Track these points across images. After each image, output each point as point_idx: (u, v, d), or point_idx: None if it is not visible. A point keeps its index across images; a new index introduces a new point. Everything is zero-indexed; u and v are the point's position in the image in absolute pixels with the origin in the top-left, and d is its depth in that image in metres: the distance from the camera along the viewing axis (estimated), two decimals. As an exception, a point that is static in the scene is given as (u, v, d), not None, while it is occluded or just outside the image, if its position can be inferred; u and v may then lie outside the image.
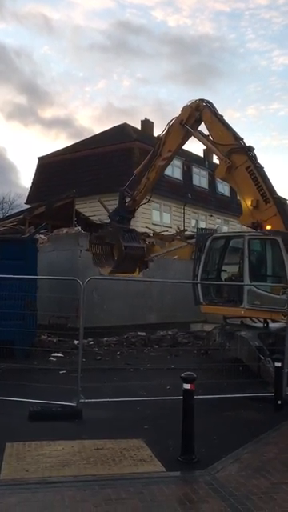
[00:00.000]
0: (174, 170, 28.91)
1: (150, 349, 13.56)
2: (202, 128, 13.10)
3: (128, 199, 14.06)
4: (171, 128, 13.20)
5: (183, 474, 5.31)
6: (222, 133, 12.32)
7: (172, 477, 5.23)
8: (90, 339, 13.34)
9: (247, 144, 12.10)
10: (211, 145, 12.81)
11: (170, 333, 15.28)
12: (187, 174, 30.42)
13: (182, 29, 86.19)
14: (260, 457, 5.79)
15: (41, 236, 15.79)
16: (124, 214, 14.08)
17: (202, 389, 7.56)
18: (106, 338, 13.95)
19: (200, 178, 31.60)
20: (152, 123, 33.95)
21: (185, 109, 12.88)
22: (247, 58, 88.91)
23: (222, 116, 12.57)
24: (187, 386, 5.79)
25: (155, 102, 78.43)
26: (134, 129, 31.64)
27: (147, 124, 33.44)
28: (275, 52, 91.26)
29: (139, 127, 32.89)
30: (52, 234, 16.22)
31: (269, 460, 5.68)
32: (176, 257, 18.65)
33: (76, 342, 11.24)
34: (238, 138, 12.10)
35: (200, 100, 12.77)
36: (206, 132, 12.86)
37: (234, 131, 12.26)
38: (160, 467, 5.42)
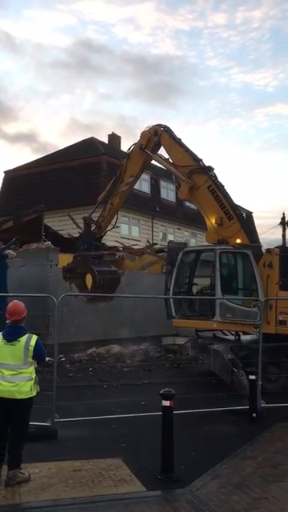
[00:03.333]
0: (142, 184, 29.00)
1: (123, 364, 13.45)
2: (162, 152, 13.45)
3: (93, 226, 14.30)
4: (131, 153, 13.55)
5: (164, 493, 5.25)
6: (181, 155, 12.69)
7: (153, 496, 5.18)
8: (61, 356, 13.11)
9: (207, 164, 12.46)
10: (172, 167, 13.13)
11: (141, 347, 15.22)
12: (155, 187, 30.59)
13: (143, 46, 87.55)
14: (239, 472, 5.79)
15: (10, 251, 15.53)
16: (91, 241, 14.27)
17: (177, 403, 7.50)
18: (76, 354, 13.76)
19: (168, 192, 31.81)
20: (119, 137, 34.08)
21: (143, 134, 13.26)
22: (207, 75, 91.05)
23: (180, 139, 13.00)
24: (166, 403, 5.75)
25: (119, 117, 79.04)
26: (102, 143, 31.67)
27: (114, 138, 33.54)
28: (234, 69, 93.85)
29: (105, 141, 32.96)
30: (21, 250, 15.95)
31: (248, 475, 5.69)
32: (146, 271, 18.68)
33: (47, 359, 11.03)
34: (197, 159, 12.47)
35: (158, 125, 13.20)
36: (166, 155, 13.21)
37: (193, 152, 12.66)
38: (140, 487, 5.34)
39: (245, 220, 12.67)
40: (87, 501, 4.95)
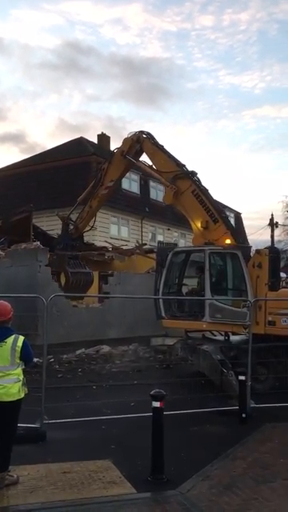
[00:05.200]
0: (132, 184, 29.03)
1: (112, 365, 13.39)
2: (146, 158, 13.64)
3: (71, 227, 14.45)
4: (113, 159, 13.67)
5: (154, 495, 5.22)
6: (164, 161, 12.84)
7: (143, 498, 5.14)
8: (49, 356, 13.01)
9: (194, 167, 12.70)
10: (155, 173, 13.26)
11: (131, 348, 15.18)
12: (144, 188, 30.59)
13: (131, 47, 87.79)
14: (229, 473, 5.78)
15: (-2, 251, 15.41)
16: (68, 241, 14.50)
17: (167, 404, 7.49)
18: (65, 355, 13.66)
19: (157, 192, 31.75)
20: (108, 137, 34.01)
21: (126, 141, 13.42)
22: (195, 77, 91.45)
23: (162, 146, 13.14)
24: (156, 404, 5.72)
25: (106, 118, 79.13)
26: (91, 143, 31.59)
27: (104, 138, 33.47)
28: (221, 71, 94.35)
29: (94, 141, 32.87)
30: (10, 250, 15.82)
31: (238, 476, 5.68)
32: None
33: (35, 359, 10.96)
34: (180, 165, 12.62)
35: (140, 132, 13.34)
36: (149, 161, 13.39)
37: (176, 158, 12.86)
38: (130, 489, 5.31)
39: (230, 222, 12.93)
40: (77, 503, 4.90)
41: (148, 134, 13.22)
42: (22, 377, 5.48)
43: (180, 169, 12.45)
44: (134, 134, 13.28)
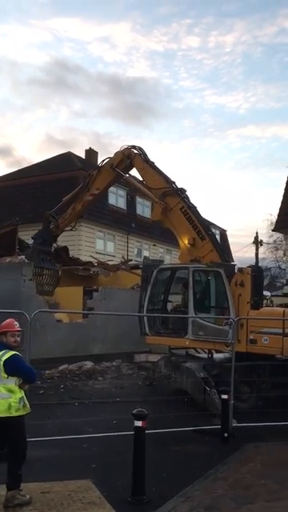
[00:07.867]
0: (118, 200, 29.17)
1: (95, 381, 13.30)
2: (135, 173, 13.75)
3: (52, 224, 14.57)
4: (102, 169, 13.79)
5: (134, 517, 5.17)
6: (154, 178, 12.92)
7: (123, 520, 5.08)
8: (32, 372, 12.87)
9: (181, 185, 12.87)
10: (145, 189, 13.35)
11: (114, 364, 15.10)
12: (131, 203, 30.72)
13: (118, 65, 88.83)
14: (210, 494, 5.75)
15: (-18, 265, 15.27)
16: (46, 237, 14.69)
17: (149, 422, 7.45)
18: (48, 371, 13.52)
19: (143, 208, 31.97)
20: (96, 153, 34.16)
21: (116, 154, 13.52)
22: (181, 96, 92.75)
23: (153, 162, 13.24)
24: (139, 423, 5.69)
25: (93, 134, 79.69)
26: (79, 158, 31.71)
27: (92, 153, 33.62)
28: (207, 91, 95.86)
29: (81, 156, 32.99)
30: (-6, 263, 15.72)
31: (219, 497, 5.66)
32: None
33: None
34: (169, 182, 12.72)
35: (132, 147, 13.37)
36: (139, 176, 13.53)
37: (166, 175, 12.95)
38: (110, 510, 5.24)
39: (217, 240, 13.08)
40: (55, 525, 4.83)
41: (140, 149, 13.23)
42: (15, 394, 5.40)
43: (169, 186, 12.53)
44: (126, 149, 13.30)
